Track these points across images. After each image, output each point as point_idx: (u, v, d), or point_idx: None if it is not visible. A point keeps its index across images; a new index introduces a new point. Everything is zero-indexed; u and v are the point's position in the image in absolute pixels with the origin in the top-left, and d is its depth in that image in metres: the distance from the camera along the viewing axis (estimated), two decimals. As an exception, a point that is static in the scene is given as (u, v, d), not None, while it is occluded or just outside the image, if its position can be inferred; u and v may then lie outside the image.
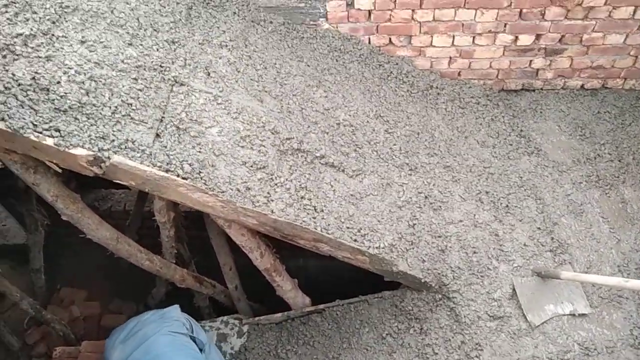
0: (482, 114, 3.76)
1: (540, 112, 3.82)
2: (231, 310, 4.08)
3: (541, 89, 3.99)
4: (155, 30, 3.10)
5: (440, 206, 3.27)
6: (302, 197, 2.99)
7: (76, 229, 3.21)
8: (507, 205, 3.32)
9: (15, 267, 5.48)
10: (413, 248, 3.11)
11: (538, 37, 3.68)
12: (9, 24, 2.56)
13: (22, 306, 4.32)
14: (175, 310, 3.15)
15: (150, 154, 2.67)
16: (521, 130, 3.72)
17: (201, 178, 2.73)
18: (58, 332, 4.57)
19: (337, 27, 3.79)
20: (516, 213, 3.30)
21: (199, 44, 3.25)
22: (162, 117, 2.83)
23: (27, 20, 2.64)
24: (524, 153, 3.60)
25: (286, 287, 3.49)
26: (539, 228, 3.25)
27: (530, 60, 3.84)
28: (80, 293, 5.17)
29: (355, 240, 3.01)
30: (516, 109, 3.85)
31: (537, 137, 3.69)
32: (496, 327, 2.97)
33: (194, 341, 3.02)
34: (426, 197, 3.29)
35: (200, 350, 3.00)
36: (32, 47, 2.58)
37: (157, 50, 3.03)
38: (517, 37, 3.70)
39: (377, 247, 3.03)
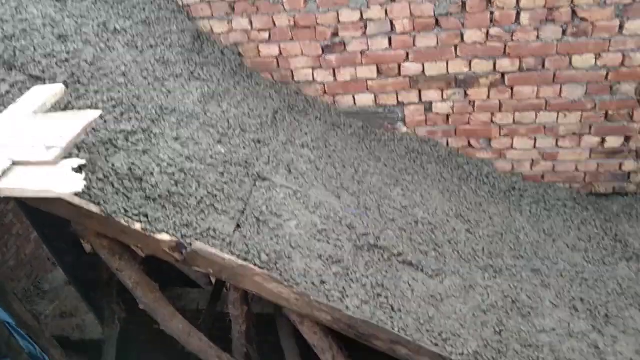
0: (570, 217, 3.56)
1: (637, 217, 3.56)
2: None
3: (635, 192, 3.76)
4: (243, 130, 3.31)
5: (529, 312, 3.01)
6: (378, 295, 2.87)
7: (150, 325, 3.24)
8: (606, 315, 2.99)
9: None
10: (501, 357, 2.83)
11: (627, 138, 3.54)
12: (115, 121, 2.84)
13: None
14: None
15: (230, 243, 2.71)
16: (615, 235, 3.46)
17: (277, 269, 2.72)
18: None
19: (415, 130, 3.87)
20: (618, 324, 2.96)
21: (283, 143, 3.42)
22: (244, 208, 2.91)
23: (131, 119, 2.91)
24: (622, 258, 3.31)
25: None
26: (646, 342, 2.88)
27: (620, 163, 3.67)
28: (147, 394, 5.07)
29: (436, 345, 2.79)
30: (608, 212, 3.62)
31: (634, 242, 3.41)
32: None
33: None
34: (513, 301, 3.04)
35: None
36: (132, 142, 2.81)
37: (244, 147, 3.21)
38: (604, 139, 3.59)
39: (460, 354, 2.78)
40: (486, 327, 2.93)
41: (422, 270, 3.08)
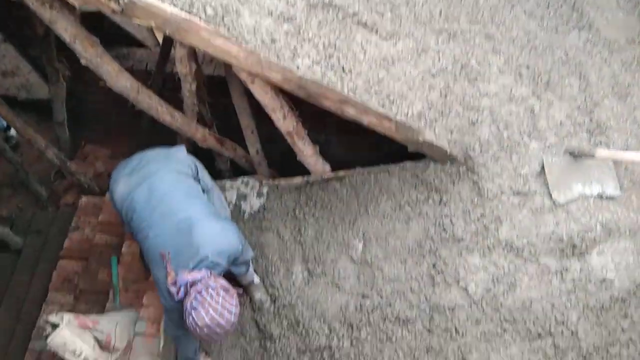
0: (533, -19, 3.41)
1: (598, -16, 3.46)
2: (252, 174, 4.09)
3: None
4: None
5: (476, 77, 3.08)
6: (330, 56, 2.83)
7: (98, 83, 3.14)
8: (547, 82, 3.11)
9: (40, 123, 5.53)
10: (442, 118, 2.99)
11: None
12: None
13: (47, 155, 4.40)
14: (181, 151, 3.12)
15: (172, -6, 2.48)
16: (574, 3, 3.39)
17: (225, 24, 2.57)
18: (83, 185, 4.69)
19: None
20: (556, 90, 3.10)
21: None
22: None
23: None
24: (574, 27, 3.31)
25: (307, 152, 3.44)
26: (578, 107, 3.07)
27: None
28: (104, 150, 5.24)
29: (382, 106, 2.88)
30: (572, -22, 3.49)
31: (591, 11, 3.37)
32: (519, 202, 2.91)
33: (198, 182, 3.02)
34: (462, 66, 3.09)
35: (203, 191, 3.00)
36: None
37: None
38: None
39: (405, 115, 2.91)
40: (433, 90, 3.01)
41: (376, 32, 3.00)
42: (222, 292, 2.50)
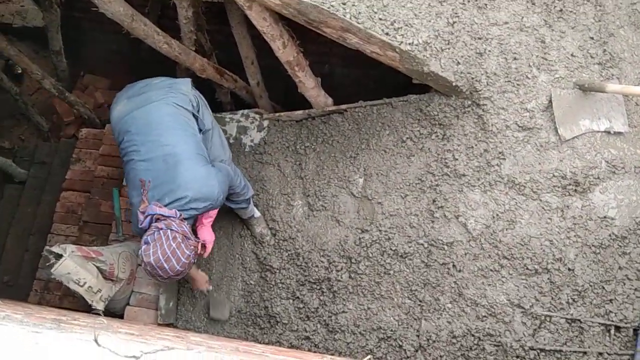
0: None
1: None
2: (253, 107, 4.01)
3: None
4: None
5: (485, 4, 2.91)
6: (331, -21, 2.66)
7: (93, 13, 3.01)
8: (561, 10, 2.94)
9: (38, 51, 5.41)
10: (449, 48, 2.85)
11: None
12: None
13: (45, 86, 4.32)
14: (186, 84, 3.02)
15: None
16: None
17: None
18: (82, 115, 4.64)
19: None
20: (570, 19, 2.94)
21: None
22: None
23: None
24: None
25: (309, 84, 3.34)
26: (591, 38, 2.91)
27: None
28: (103, 81, 5.15)
29: (387, 34, 2.74)
30: None
31: None
32: (523, 137, 2.84)
33: (197, 120, 2.95)
34: (471, -8, 2.91)
35: (200, 131, 2.94)
36: None
37: None
38: None
39: (409, 44, 2.77)
40: (440, 18, 2.86)
41: (381, -45, 2.81)
42: (179, 239, 2.48)
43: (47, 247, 3.20)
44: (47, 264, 3.21)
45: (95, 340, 0.94)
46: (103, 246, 3.47)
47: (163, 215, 2.52)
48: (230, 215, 3.39)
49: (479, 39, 2.90)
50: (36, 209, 4.48)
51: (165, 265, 2.45)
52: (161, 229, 2.47)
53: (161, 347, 1.09)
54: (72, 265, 3.06)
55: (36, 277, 4.05)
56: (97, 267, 3.23)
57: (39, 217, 4.41)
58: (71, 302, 3.81)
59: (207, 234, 2.90)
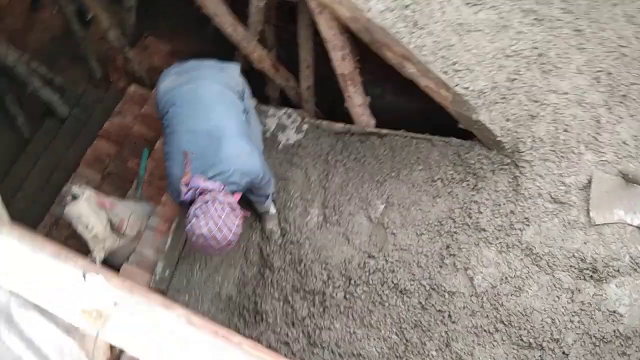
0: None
1: None
2: (297, 108, 4.04)
3: None
4: None
5: (551, 70, 2.89)
6: (406, 6, 2.69)
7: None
8: (624, 95, 2.89)
9: (112, 3, 5.57)
10: (503, 103, 2.83)
11: None
12: None
13: (109, 37, 4.45)
14: (235, 69, 3.07)
15: None
16: (683, 19, 3.10)
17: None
18: (135, 73, 4.76)
19: None
20: (631, 106, 2.88)
21: None
22: None
23: None
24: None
25: (357, 100, 3.36)
26: (648, 131, 2.86)
27: None
28: (164, 46, 5.27)
29: (445, 72, 2.75)
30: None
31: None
32: (553, 210, 2.78)
33: (242, 103, 2.99)
34: (540, 55, 2.89)
35: (244, 112, 2.98)
36: None
37: None
38: None
39: (465, 88, 2.77)
40: (502, 71, 2.85)
41: (461, -5, 2.83)
42: (227, 209, 2.51)
43: (67, 186, 3.28)
44: (62, 203, 3.29)
45: (84, 276, 0.96)
46: (119, 200, 3.53)
47: (207, 189, 2.55)
48: (245, 205, 3.42)
49: (535, 101, 2.87)
50: (68, 148, 4.60)
51: (218, 235, 2.48)
52: (208, 201, 2.50)
53: (143, 301, 1.10)
54: (85, 208, 3.13)
55: (49, 211, 4.15)
56: (109, 218, 3.30)
57: (68, 156, 4.52)
58: (74, 245, 3.86)
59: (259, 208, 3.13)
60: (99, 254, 3.17)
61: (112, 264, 3.45)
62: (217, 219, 2.46)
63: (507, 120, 2.85)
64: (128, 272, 3.42)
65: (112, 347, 1.40)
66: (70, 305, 0.96)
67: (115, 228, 3.34)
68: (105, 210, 3.28)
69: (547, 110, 2.87)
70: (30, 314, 1.33)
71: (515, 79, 2.86)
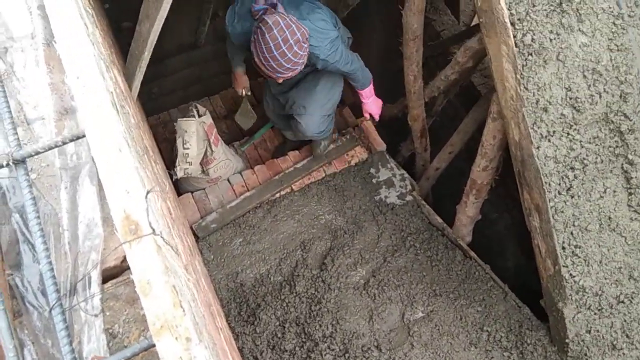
0: None
1: None
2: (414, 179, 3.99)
3: None
4: None
5: (664, 320, 2.62)
6: (571, 168, 2.56)
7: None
8: None
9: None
10: (596, 315, 2.60)
11: None
12: None
13: None
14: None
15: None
16: None
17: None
18: None
19: None
20: None
21: None
22: None
23: None
24: None
25: (470, 211, 3.24)
26: None
27: None
28: None
29: (563, 248, 2.58)
30: None
31: None
32: None
33: None
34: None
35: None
36: None
37: None
38: None
39: (572, 275, 2.58)
40: (617, 286, 2.63)
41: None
42: (293, 26, 2.56)
43: (195, 103, 3.47)
44: (182, 115, 3.49)
45: (147, 192, 1.01)
46: (223, 141, 3.68)
47: (275, 8, 2.65)
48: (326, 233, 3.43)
49: (627, 337, 2.61)
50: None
51: (292, 37, 2.54)
52: (274, 13, 2.60)
53: (166, 232, 1.13)
54: (194, 129, 3.29)
55: (168, 110, 4.37)
56: (206, 149, 3.45)
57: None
58: (165, 149, 4.03)
59: (372, 107, 3.39)
60: (180, 172, 3.31)
61: (178, 184, 3.60)
62: (287, 30, 2.52)
63: (588, 332, 2.62)
64: (185, 201, 3.55)
65: (123, 260, 1.46)
66: (118, 206, 1.01)
67: (204, 162, 3.49)
68: (207, 141, 3.44)
69: (633, 353, 2.60)
70: (92, 188, 1.43)
71: (623, 303, 2.63)
